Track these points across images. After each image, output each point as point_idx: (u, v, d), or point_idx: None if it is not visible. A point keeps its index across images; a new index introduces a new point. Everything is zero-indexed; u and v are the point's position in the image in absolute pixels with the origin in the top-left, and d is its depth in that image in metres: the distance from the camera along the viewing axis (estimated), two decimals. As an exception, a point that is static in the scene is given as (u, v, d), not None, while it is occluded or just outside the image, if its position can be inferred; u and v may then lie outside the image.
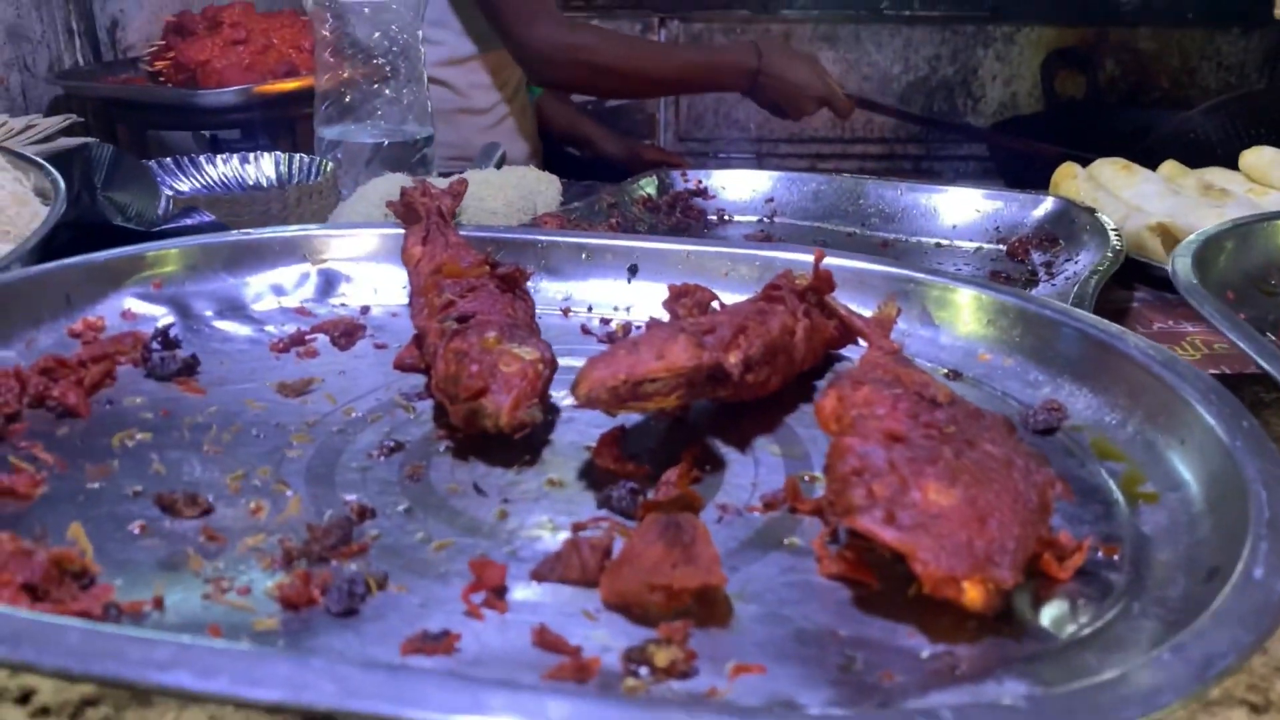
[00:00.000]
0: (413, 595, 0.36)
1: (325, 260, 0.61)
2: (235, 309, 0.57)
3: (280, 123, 1.45)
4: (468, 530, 0.40)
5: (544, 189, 1.02)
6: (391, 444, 0.46)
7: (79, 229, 0.70)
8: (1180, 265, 0.54)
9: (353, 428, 0.48)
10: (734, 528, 0.41)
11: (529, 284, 0.60)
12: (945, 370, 0.54)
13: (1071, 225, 0.93)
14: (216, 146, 1.54)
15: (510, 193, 0.99)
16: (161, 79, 1.44)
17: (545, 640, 0.34)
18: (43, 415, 0.46)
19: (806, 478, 0.45)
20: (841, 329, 0.54)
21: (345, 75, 1.04)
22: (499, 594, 0.36)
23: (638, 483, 0.43)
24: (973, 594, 0.34)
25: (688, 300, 0.54)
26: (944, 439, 0.39)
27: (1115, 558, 0.39)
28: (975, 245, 0.99)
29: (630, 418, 0.48)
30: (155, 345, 0.52)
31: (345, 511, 0.40)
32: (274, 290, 0.59)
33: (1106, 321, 0.50)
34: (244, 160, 1.07)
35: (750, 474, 0.45)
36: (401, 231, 0.61)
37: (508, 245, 0.62)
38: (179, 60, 1.37)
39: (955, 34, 2.51)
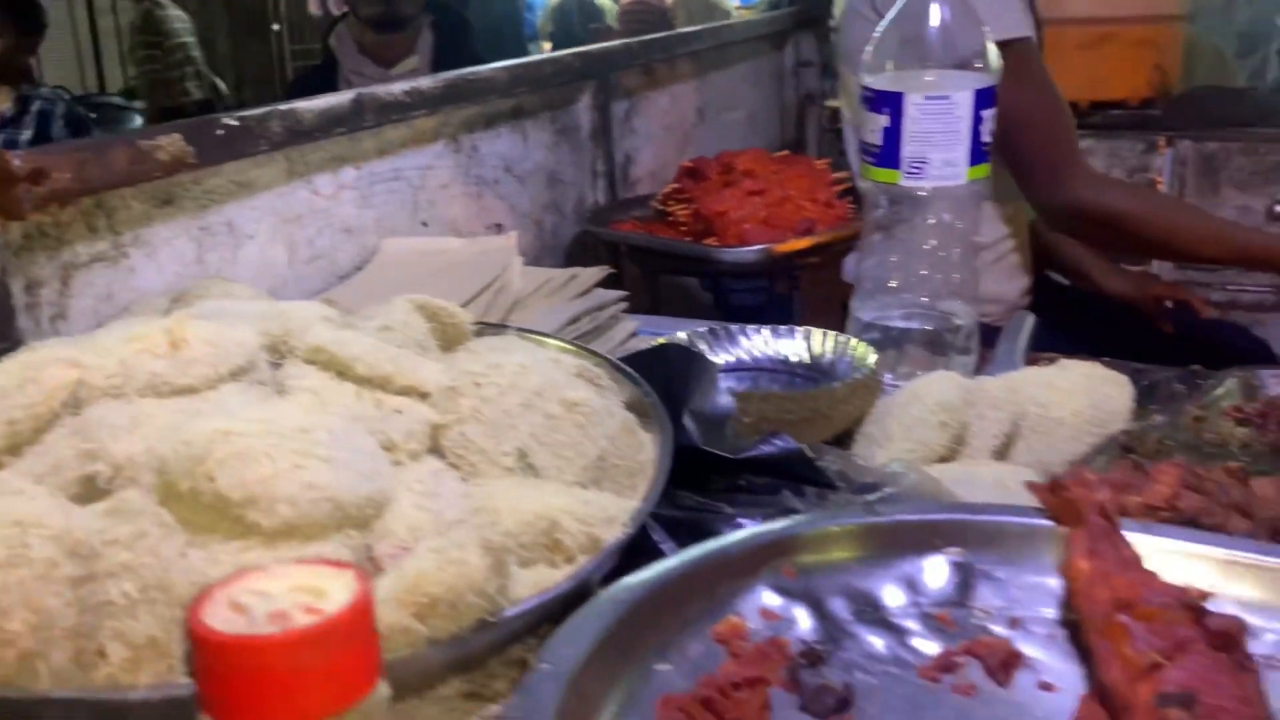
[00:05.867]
0: None
1: (959, 552, 0.54)
2: (871, 610, 0.52)
3: (788, 276, 1.44)
4: None
5: (1115, 394, 0.90)
6: None
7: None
8: None
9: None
10: None
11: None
12: None
13: None
14: (718, 290, 1.57)
15: (1080, 400, 0.88)
16: (675, 222, 1.48)
17: None
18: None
19: None
20: None
21: (893, 259, 0.99)
22: None
23: None
24: None
25: None
26: None
27: None
28: None
29: None
30: (802, 663, 0.47)
31: None
32: (906, 586, 0.53)
33: None
34: (774, 333, 1.05)
35: None
36: (1048, 523, 0.53)
37: (1182, 556, 0.51)
38: (701, 211, 1.40)
39: None
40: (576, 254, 1.60)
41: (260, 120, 0.98)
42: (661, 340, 0.89)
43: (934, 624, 0.51)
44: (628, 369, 0.73)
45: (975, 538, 0.54)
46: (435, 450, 0.59)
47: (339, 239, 1.15)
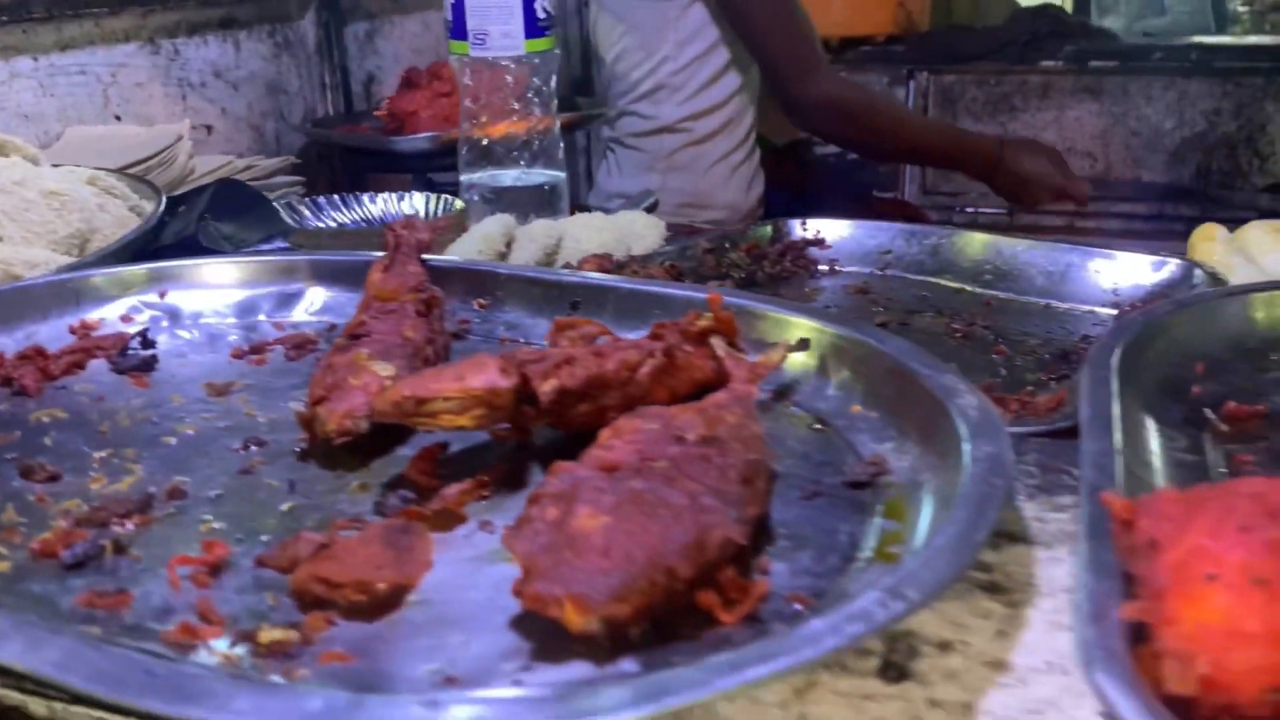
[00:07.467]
0: (142, 564, 0.41)
1: (317, 282, 0.68)
2: (223, 319, 0.66)
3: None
4: (248, 521, 0.45)
5: (645, 233, 1.06)
6: (255, 440, 0.52)
7: (177, 248, 0.82)
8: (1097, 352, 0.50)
9: (241, 426, 0.54)
10: (478, 544, 0.43)
11: (485, 313, 0.65)
12: (813, 420, 0.52)
13: (1188, 291, 0.85)
14: (430, 187, 1.71)
15: (607, 235, 1.03)
16: (387, 128, 1.61)
17: (204, 609, 0.38)
18: (3, 393, 0.56)
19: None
20: (721, 371, 0.54)
21: (483, 122, 1.13)
22: (212, 571, 0.40)
23: (418, 494, 0.46)
24: (570, 617, 0.34)
25: (572, 333, 0.56)
26: (650, 474, 0.39)
27: (804, 609, 0.37)
28: (1086, 309, 0.92)
29: (477, 435, 0.51)
30: (134, 344, 0.61)
31: (158, 490, 0.46)
32: (265, 306, 0.67)
33: (956, 379, 0.47)
34: (400, 198, 1.18)
35: (541, 498, 0.47)
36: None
37: (470, 277, 0.66)
38: (393, 110, 1.53)
39: (1240, 87, 2.29)
40: (307, 160, 1.72)
41: (-100, -2, 1.08)
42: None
43: (269, 328, 0.65)
44: (153, 184, 0.86)
45: (328, 272, 0.68)
46: (-85, 223, 0.72)
47: (14, 123, 1.25)
